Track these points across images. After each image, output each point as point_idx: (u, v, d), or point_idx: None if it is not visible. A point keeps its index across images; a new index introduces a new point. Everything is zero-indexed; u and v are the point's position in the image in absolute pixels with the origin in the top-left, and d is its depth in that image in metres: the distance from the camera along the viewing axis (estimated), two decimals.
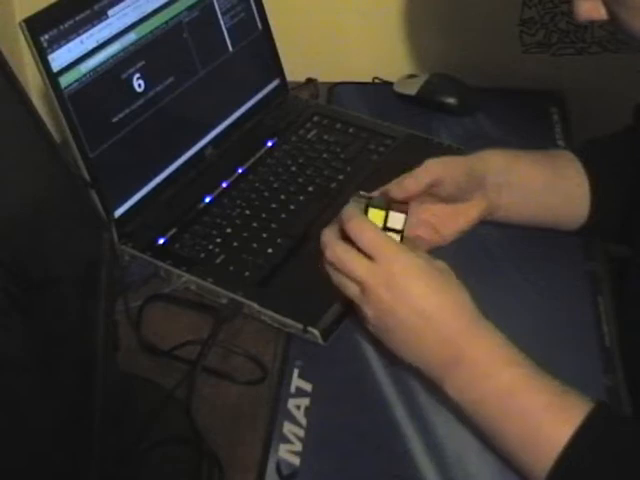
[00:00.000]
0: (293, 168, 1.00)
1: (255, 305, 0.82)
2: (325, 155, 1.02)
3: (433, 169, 0.81)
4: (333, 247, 0.73)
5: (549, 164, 0.89)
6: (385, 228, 0.74)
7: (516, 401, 0.67)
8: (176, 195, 0.96)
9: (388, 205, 0.74)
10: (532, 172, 0.88)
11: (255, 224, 0.92)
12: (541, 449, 0.65)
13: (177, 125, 0.97)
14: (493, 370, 0.68)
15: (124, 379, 0.76)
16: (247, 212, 0.93)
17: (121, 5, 0.90)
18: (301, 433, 0.74)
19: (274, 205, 0.94)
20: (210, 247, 0.89)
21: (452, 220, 0.85)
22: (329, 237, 0.74)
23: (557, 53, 1.21)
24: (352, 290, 0.73)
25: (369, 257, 0.71)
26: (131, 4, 0.91)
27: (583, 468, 0.64)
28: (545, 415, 0.66)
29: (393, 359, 0.75)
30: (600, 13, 0.71)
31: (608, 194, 0.88)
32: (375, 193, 0.79)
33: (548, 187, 0.88)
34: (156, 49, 0.94)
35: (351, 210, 0.73)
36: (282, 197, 0.95)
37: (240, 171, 1.00)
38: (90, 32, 0.87)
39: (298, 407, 0.76)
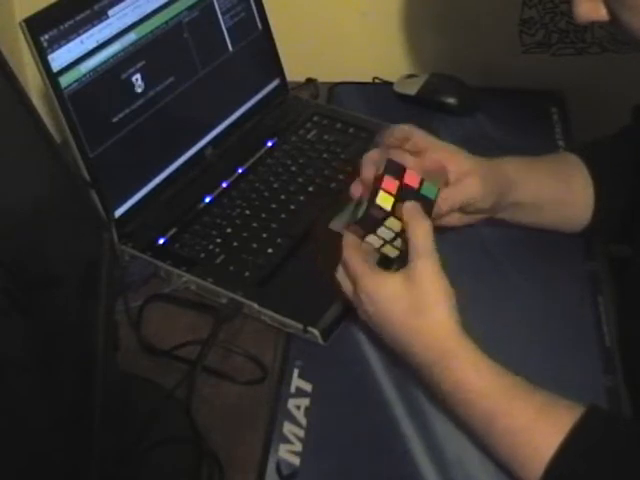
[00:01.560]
0: (293, 168, 1.00)
1: (255, 305, 0.82)
2: (325, 155, 1.02)
3: (471, 193, 0.80)
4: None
5: (561, 174, 0.88)
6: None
7: (497, 425, 0.67)
8: (176, 195, 0.96)
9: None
10: (546, 189, 0.87)
11: (255, 224, 0.92)
12: (531, 460, 0.65)
13: (177, 125, 0.97)
14: (469, 401, 0.68)
15: (124, 379, 0.76)
16: (247, 212, 0.93)
17: (121, 5, 0.90)
18: (301, 433, 0.73)
19: (274, 205, 0.94)
20: (210, 247, 0.89)
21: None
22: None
23: (557, 53, 1.21)
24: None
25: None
26: (131, 4, 0.91)
27: (575, 470, 0.64)
28: (529, 432, 0.66)
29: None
30: (600, 14, 0.70)
31: (611, 197, 0.88)
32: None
33: (558, 201, 0.88)
34: (156, 49, 0.94)
35: (350, 239, 0.74)
36: (282, 197, 0.95)
37: (240, 171, 1.00)
38: (90, 32, 0.87)
39: (298, 407, 0.76)
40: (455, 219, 0.84)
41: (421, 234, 0.71)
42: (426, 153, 0.81)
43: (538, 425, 0.66)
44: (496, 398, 0.67)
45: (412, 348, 0.71)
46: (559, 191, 0.88)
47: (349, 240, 0.74)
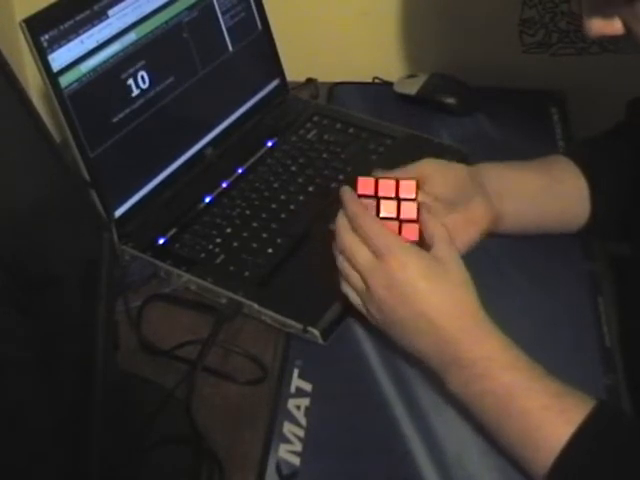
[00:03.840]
0: (293, 168, 1.00)
1: (255, 305, 0.82)
2: (325, 155, 1.02)
3: (424, 166, 0.82)
4: (343, 236, 0.74)
5: (544, 169, 0.89)
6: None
7: (515, 403, 0.67)
8: (176, 195, 0.96)
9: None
10: (527, 177, 0.88)
11: (255, 224, 0.92)
12: (541, 448, 0.66)
13: (177, 125, 0.97)
14: (492, 373, 0.68)
15: (124, 379, 0.76)
16: (247, 212, 0.93)
17: (121, 5, 0.90)
18: (301, 433, 0.74)
19: (274, 205, 0.94)
20: (210, 247, 0.89)
21: (464, 230, 0.83)
22: (342, 225, 0.74)
23: (557, 53, 1.21)
24: (356, 283, 0.74)
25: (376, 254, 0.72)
26: (131, 4, 0.91)
27: (582, 465, 0.64)
28: (544, 416, 0.66)
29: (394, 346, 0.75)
30: (614, 28, 0.68)
31: (608, 195, 0.88)
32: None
33: (546, 192, 0.88)
34: (156, 49, 0.94)
35: (358, 206, 0.74)
36: (282, 197, 0.95)
37: (240, 171, 1.00)
38: (90, 32, 0.87)
39: (298, 407, 0.76)
40: (469, 235, 0.83)
41: (439, 225, 0.74)
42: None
43: (549, 412, 0.66)
44: (518, 375, 0.68)
45: (443, 316, 0.70)
46: (546, 183, 0.88)
47: (361, 208, 0.74)
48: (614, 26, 0.69)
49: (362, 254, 0.72)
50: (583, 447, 0.64)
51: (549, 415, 0.66)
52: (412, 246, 0.72)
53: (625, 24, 0.68)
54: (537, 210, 0.88)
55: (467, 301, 0.71)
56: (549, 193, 0.88)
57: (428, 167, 0.83)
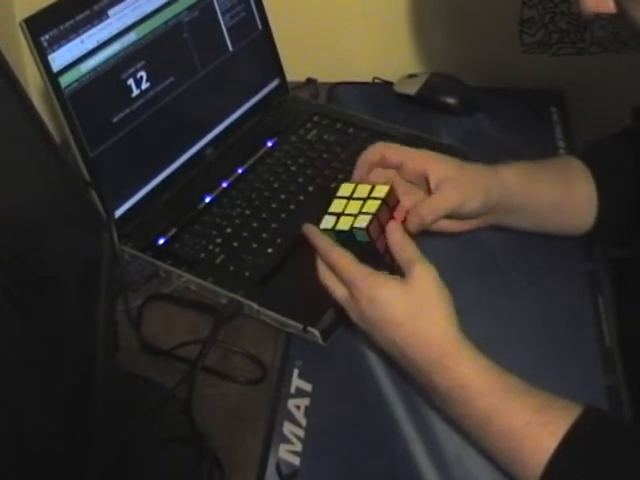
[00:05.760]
0: (293, 168, 1.00)
1: (255, 305, 0.82)
2: (325, 155, 1.02)
3: (451, 200, 0.80)
4: (320, 271, 0.75)
5: (563, 181, 0.88)
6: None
7: (495, 425, 0.67)
8: (176, 195, 0.96)
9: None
10: (545, 196, 0.86)
11: (255, 224, 0.92)
12: (528, 463, 0.65)
13: (177, 125, 0.97)
14: (468, 400, 0.68)
15: (124, 379, 0.76)
16: (247, 212, 0.94)
17: (121, 5, 0.90)
18: (301, 433, 0.73)
19: (274, 205, 0.94)
20: (210, 247, 0.89)
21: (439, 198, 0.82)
22: (318, 260, 0.76)
23: (557, 53, 1.21)
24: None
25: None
26: (131, 4, 0.91)
27: (572, 472, 0.64)
28: (527, 433, 0.65)
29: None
30: (608, 7, 0.69)
31: (614, 204, 0.87)
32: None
33: (558, 207, 0.88)
34: (156, 49, 0.94)
35: (322, 241, 0.75)
36: (282, 197, 0.95)
37: (240, 171, 1.00)
38: (90, 32, 0.87)
39: (298, 407, 0.76)
40: (448, 225, 0.84)
41: (406, 245, 0.73)
42: (404, 165, 0.82)
43: (532, 428, 0.65)
44: (494, 397, 0.67)
45: (411, 349, 0.70)
46: (559, 199, 0.87)
47: (327, 243, 0.75)
48: (607, 4, 0.69)
49: (337, 291, 0.74)
50: (571, 454, 0.64)
51: (531, 430, 0.65)
52: (379, 276, 0.72)
53: (617, 3, 0.69)
54: (540, 222, 0.88)
55: (435, 329, 0.70)
56: (559, 209, 0.88)
57: (455, 201, 0.81)
